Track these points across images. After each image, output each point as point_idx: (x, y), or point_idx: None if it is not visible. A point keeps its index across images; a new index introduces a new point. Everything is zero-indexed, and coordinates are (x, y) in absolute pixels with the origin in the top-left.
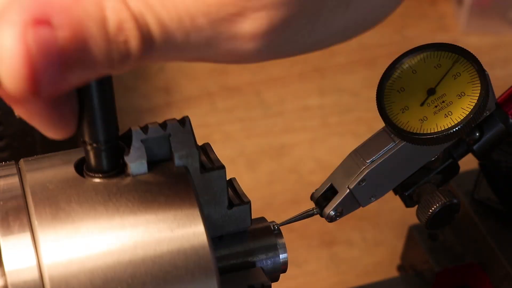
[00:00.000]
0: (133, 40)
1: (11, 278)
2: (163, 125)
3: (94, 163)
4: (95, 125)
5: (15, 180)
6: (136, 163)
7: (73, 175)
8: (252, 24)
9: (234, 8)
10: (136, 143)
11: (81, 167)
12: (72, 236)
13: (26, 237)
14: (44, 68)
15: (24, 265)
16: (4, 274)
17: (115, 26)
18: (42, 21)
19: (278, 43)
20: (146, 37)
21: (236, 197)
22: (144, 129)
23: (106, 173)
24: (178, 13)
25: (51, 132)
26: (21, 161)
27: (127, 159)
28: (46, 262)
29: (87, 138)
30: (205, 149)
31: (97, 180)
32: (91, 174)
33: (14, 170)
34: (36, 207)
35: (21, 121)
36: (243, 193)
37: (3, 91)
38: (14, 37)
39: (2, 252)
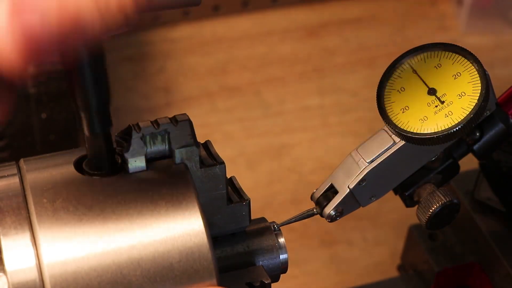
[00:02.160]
0: None
1: (11, 278)
2: (160, 121)
3: (95, 160)
4: (87, 89)
5: (15, 180)
6: (134, 159)
7: (73, 173)
8: None
9: None
10: (134, 139)
11: (81, 165)
12: (72, 236)
13: (26, 237)
14: (37, 36)
15: (24, 265)
16: (5, 274)
17: None
18: None
19: None
20: None
21: (236, 195)
22: (143, 125)
23: (105, 170)
24: None
25: None
26: (21, 161)
27: (126, 155)
28: (46, 262)
29: (79, 103)
30: (207, 146)
31: (96, 178)
32: (90, 171)
33: (14, 170)
34: (36, 207)
35: (21, 121)
36: (243, 191)
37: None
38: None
39: (2, 252)
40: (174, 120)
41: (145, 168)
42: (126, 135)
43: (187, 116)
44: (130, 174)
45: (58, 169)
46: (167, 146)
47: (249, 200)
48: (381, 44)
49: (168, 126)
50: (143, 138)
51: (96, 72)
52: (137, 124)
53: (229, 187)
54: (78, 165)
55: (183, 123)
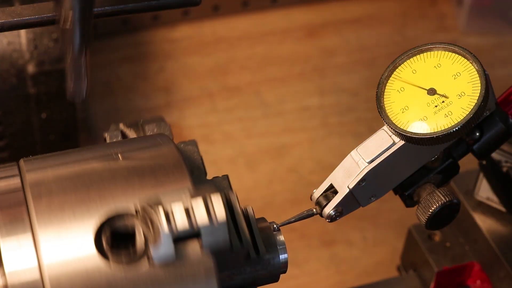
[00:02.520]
0: None
1: (11, 278)
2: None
3: None
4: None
5: (15, 180)
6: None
7: (94, 258)
8: None
9: None
10: (166, 242)
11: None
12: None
13: (26, 237)
14: None
15: (24, 265)
16: (4, 274)
17: None
18: None
19: None
20: None
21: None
22: (177, 217)
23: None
24: None
25: None
26: (21, 161)
27: (152, 250)
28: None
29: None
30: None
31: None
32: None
33: (15, 171)
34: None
35: (21, 121)
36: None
37: None
38: None
39: (2, 253)
40: (209, 215)
41: (172, 259)
42: (150, 210)
43: (224, 212)
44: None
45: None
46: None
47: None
48: (381, 44)
49: (203, 223)
50: (173, 236)
51: None
52: (167, 219)
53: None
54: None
55: (222, 225)
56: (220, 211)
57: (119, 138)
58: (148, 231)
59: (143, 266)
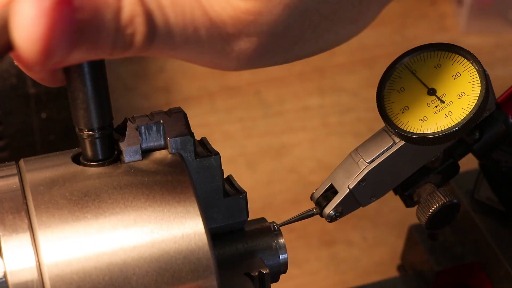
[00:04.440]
0: (139, 34)
1: (11, 278)
2: (155, 113)
3: (90, 152)
4: (89, 112)
5: (15, 180)
6: (130, 149)
7: (70, 165)
8: (242, 45)
9: (233, 30)
10: (130, 129)
11: (79, 158)
12: (72, 236)
13: (26, 237)
14: (58, 41)
15: (24, 265)
16: (4, 274)
17: (127, 18)
18: (65, 0)
19: (257, 62)
20: (151, 34)
21: (232, 190)
22: (138, 118)
23: (101, 161)
24: (184, 21)
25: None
26: (21, 161)
27: (121, 145)
28: (46, 262)
29: (82, 126)
30: (202, 142)
31: (93, 169)
32: (86, 162)
33: (14, 170)
34: (36, 207)
35: (21, 121)
36: (240, 186)
37: (15, 54)
38: (38, 9)
39: (2, 252)
40: (168, 112)
41: (140, 158)
42: (123, 128)
43: (181, 108)
44: (125, 164)
45: (58, 169)
46: (162, 138)
47: (246, 194)
48: (381, 44)
49: (162, 117)
50: (138, 128)
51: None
52: (133, 117)
53: (226, 183)
54: (75, 158)
55: (178, 115)
56: (177, 109)
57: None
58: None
59: (117, 166)
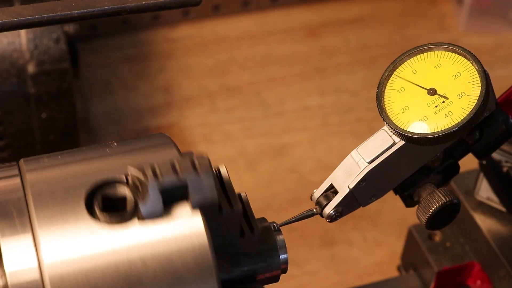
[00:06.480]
0: None
1: (11, 278)
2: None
3: None
4: None
5: (15, 181)
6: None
7: (83, 213)
8: None
9: None
10: (152, 189)
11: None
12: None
13: (26, 237)
14: None
15: (25, 265)
16: (4, 274)
17: None
18: None
19: None
20: None
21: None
22: (163, 171)
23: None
24: None
25: None
26: (21, 161)
27: (141, 207)
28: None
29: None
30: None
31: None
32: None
33: (15, 171)
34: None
35: (21, 121)
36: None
37: None
38: None
39: (2, 252)
40: (195, 168)
41: (161, 211)
42: (141, 174)
43: (208, 160)
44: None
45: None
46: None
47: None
48: (381, 44)
49: (189, 177)
50: (160, 188)
51: None
52: (153, 168)
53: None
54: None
55: (206, 175)
56: (205, 164)
57: None
58: (138, 192)
59: (134, 223)
